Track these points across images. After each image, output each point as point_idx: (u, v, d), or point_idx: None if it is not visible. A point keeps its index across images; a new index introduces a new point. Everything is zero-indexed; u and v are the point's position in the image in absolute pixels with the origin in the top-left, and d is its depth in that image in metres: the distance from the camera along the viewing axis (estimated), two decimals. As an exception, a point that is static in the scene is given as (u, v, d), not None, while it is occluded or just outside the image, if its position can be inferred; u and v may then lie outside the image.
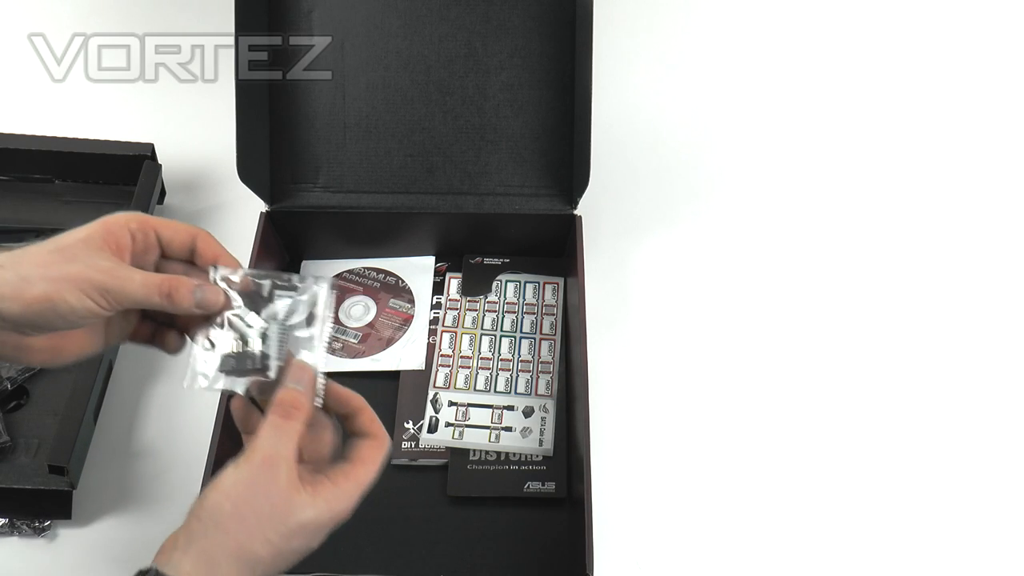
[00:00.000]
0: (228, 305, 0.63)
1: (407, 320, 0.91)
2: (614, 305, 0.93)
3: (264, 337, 0.63)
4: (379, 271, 0.95)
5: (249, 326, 0.63)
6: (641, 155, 1.06)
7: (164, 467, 0.83)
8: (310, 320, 0.64)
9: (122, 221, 0.62)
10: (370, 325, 0.91)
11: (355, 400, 0.63)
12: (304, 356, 0.62)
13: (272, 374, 0.62)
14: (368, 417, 0.62)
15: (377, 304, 0.93)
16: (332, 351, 0.89)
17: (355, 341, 0.90)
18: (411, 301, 0.93)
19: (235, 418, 0.64)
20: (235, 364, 0.63)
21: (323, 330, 0.63)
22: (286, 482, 0.56)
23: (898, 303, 0.95)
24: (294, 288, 0.64)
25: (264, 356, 0.63)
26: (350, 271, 0.95)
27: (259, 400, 0.62)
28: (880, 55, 1.16)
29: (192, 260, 0.64)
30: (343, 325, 0.91)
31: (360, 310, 0.92)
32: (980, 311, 0.95)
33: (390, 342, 0.90)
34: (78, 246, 0.60)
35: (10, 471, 0.79)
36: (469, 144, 0.91)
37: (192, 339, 0.64)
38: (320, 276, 0.65)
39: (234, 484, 0.56)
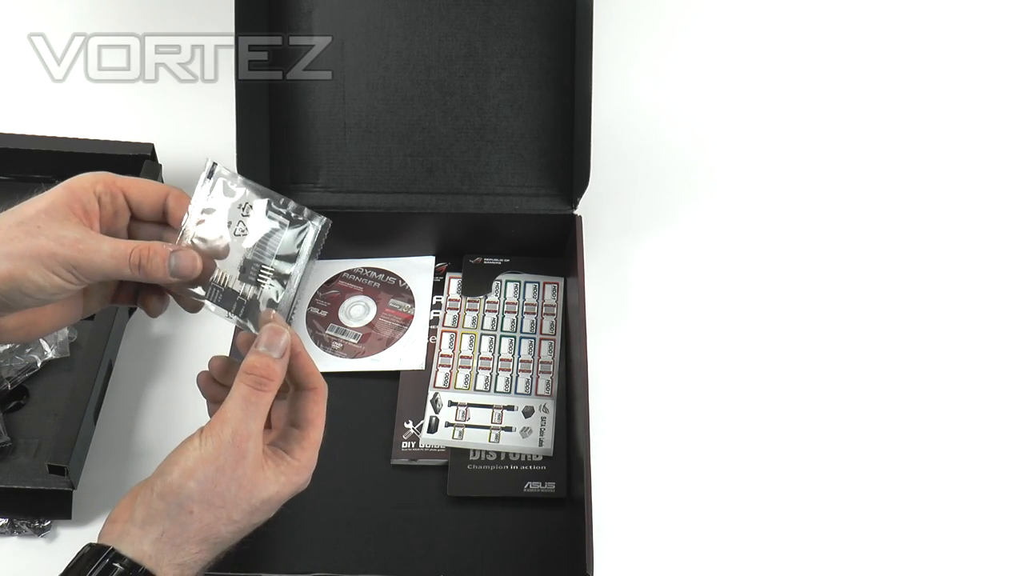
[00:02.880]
0: (207, 270, 0.60)
1: (407, 320, 0.91)
2: (614, 305, 0.93)
3: (244, 270, 0.60)
4: (379, 271, 0.95)
5: (237, 235, 0.60)
6: (641, 155, 1.06)
7: (164, 467, 0.83)
8: (293, 257, 0.61)
9: (87, 184, 0.59)
10: (370, 325, 0.91)
11: (296, 346, 0.60)
12: (276, 292, 0.59)
13: (252, 329, 0.59)
14: (304, 363, 0.60)
15: (377, 304, 0.93)
16: (332, 351, 0.90)
17: (355, 341, 0.90)
18: (411, 301, 0.93)
19: (200, 386, 0.62)
20: (221, 299, 0.61)
21: (304, 271, 0.61)
22: (252, 460, 0.55)
23: (897, 302, 0.95)
24: (288, 217, 0.61)
25: (242, 303, 0.60)
26: (350, 271, 0.95)
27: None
28: (879, 55, 1.16)
29: (165, 221, 0.61)
30: (343, 325, 0.91)
31: (360, 310, 0.92)
32: (979, 310, 0.94)
33: (390, 342, 0.90)
34: (40, 217, 0.56)
35: (10, 471, 0.79)
36: (469, 144, 0.91)
37: (177, 301, 0.62)
38: (317, 214, 0.62)
39: (201, 463, 0.54)
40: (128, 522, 0.55)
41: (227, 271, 0.61)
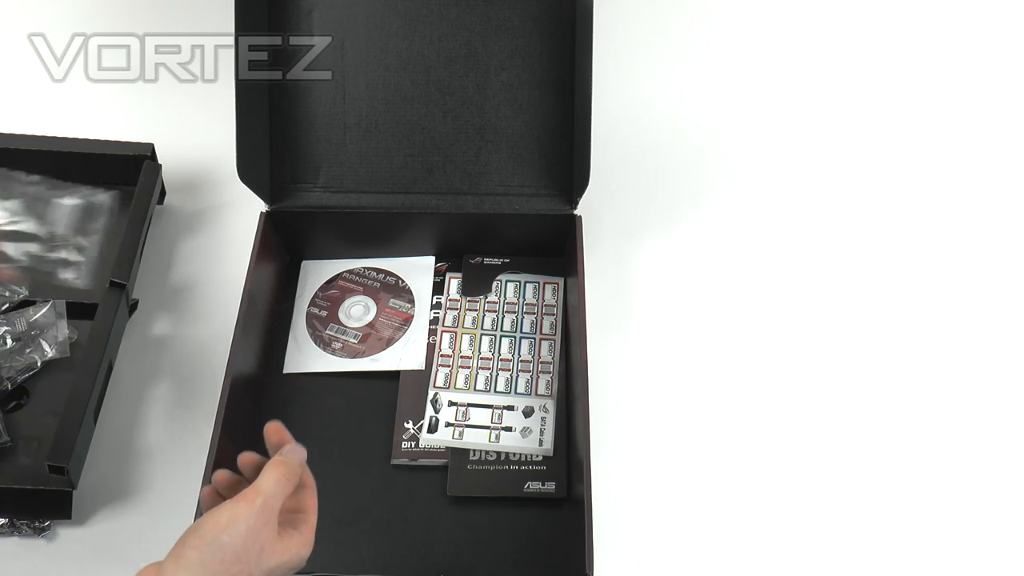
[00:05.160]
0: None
1: (407, 320, 0.91)
2: (614, 305, 0.93)
3: None
4: (379, 271, 0.95)
5: None
6: (641, 155, 1.06)
7: (163, 467, 0.83)
8: None
9: None
10: (370, 325, 0.91)
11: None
12: None
13: None
14: (310, 498, 0.68)
15: (377, 304, 0.93)
16: (332, 351, 0.90)
17: (355, 341, 0.90)
18: (411, 301, 0.93)
19: (204, 501, 0.66)
20: None
21: None
22: (273, 529, 0.61)
23: (898, 304, 0.95)
24: None
25: None
26: (350, 271, 0.95)
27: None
28: (881, 58, 1.16)
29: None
30: (343, 325, 0.91)
31: (360, 310, 0.92)
32: (980, 313, 0.94)
33: (390, 342, 0.90)
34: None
35: (10, 471, 0.79)
36: (469, 144, 0.91)
37: None
38: None
39: (233, 522, 0.60)
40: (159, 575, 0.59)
41: None
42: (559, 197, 0.91)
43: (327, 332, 0.91)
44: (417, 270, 0.95)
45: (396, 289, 0.94)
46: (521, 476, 0.82)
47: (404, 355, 0.89)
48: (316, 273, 0.95)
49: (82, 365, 0.82)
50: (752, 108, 1.11)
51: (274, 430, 0.67)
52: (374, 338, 0.90)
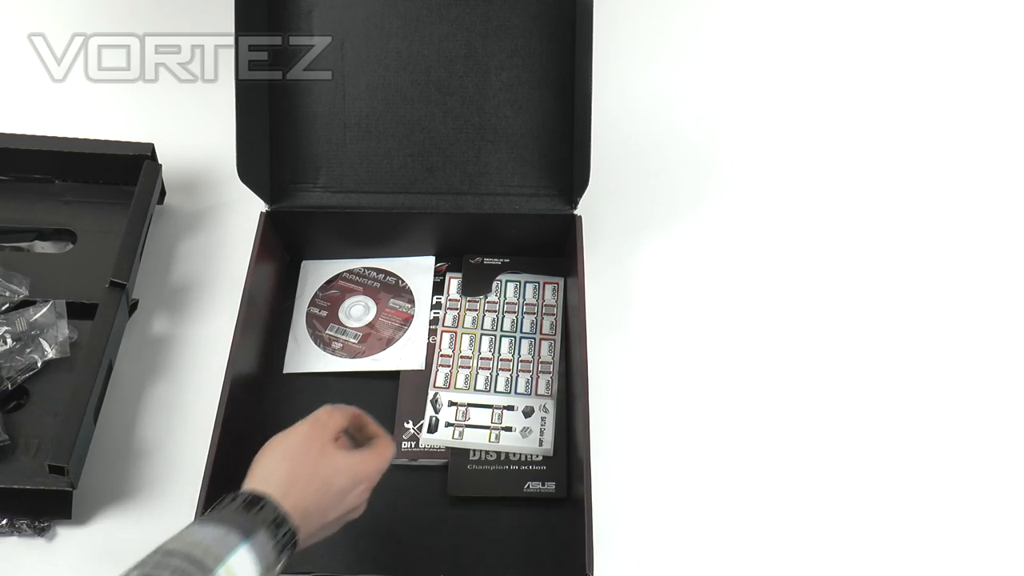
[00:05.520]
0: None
1: (407, 320, 0.91)
2: (614, 305, 0.93)
3: None
4: (379, 271, 0.95)
5: None
6: (641, 155, 1.06)
7: (164, 467, 0.83)
8: None
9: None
10: (370, 325, 0.91)
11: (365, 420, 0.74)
12: None
13: None
14: (374, 427, 0.74)
15: (377, 304, 0.93)
16: (332, 351, 0.90)
17: (355, 341, 0.90)
18: (411, 301, 0.93)
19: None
20: None
21: None
22: (325, 440, 0.68)
23: (898, 304, 0.95)
24: None
25: None
26: (350, 271, 0.95)
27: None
28: (881, 58, 1.16)
29: None
30: (343, 325, 0.91)
31: (360, 310, 0.92)
32: (980, 313, 0.95)
33: (390, 342, 0.90)
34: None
35: (10, 471, 0.79)
36: (469, 144, 0.91)
37: None
38: None
39: (282, 441, 0.68)
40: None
41: None
42: (559, 197, 0.91)
43: (327, 332, 0.91)
44: (417, 270, 0.95)
45: (396, 289, 0.94)
46: (521, 476, 0.82)
47: (404, 355, 0.89)
48: (316, 273, 0.95)
49: (82, 365, 0.82)
50: (752, 108, 1.11)
51: None
52: (374, 338, 0.90)
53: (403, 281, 0.94)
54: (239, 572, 0.57)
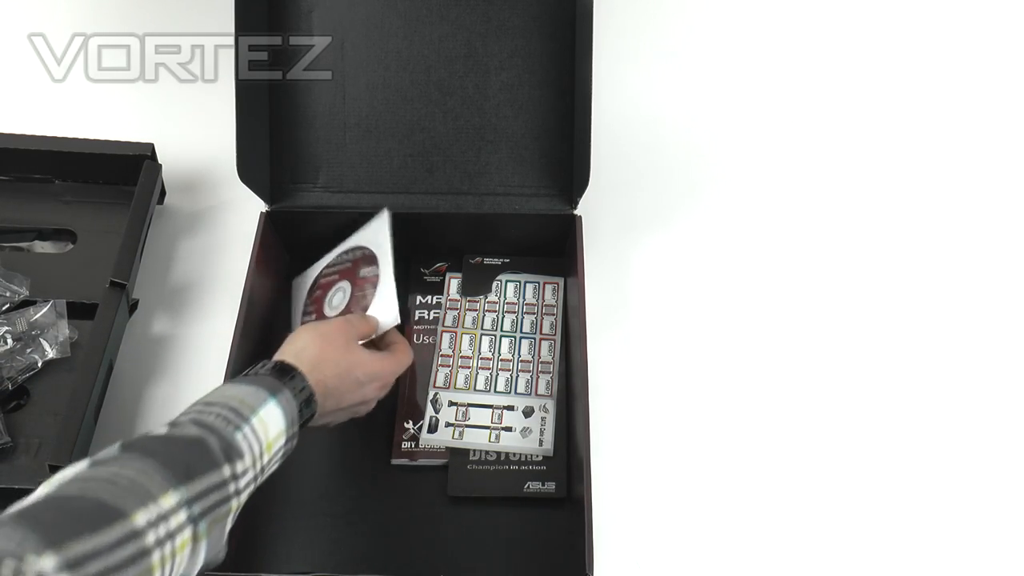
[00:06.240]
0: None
1: (375, 282, 0.86)
2: (614, 305, 0.93)
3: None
4: (349, 250, 0.90)
5: None
6: (641, 155, 1.06)
7: (164, 467, 0.83)
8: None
9: None
10: (348, 306, 0.87)
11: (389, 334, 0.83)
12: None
13: None
14: (393, 334, 0.82)
15: (352, 283, 0.88)
16: None
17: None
18: (375, 262, 0.88)
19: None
20: None
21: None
22: (352, 336, 0.77)
23: (897, 301, 0.95)
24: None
25: None
26: (328, 266, 0.91)
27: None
28: (878, 56, 1.16)
29: None
30: (327, 317, 0.88)
31: (340, 297, 0.88)
32: (978, 310, 0.95)
33: (366, 310, 0.85)
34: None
35: (10, 471, 0.79)
36: (469, 144, 0.91)
37: None
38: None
39: (317, 326, 0.77)
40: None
41: None
42: (559, 197, 0.91)
43: None
44: (374, 233, 0.89)
45: (365, 259, 0.89)
46: (521, 476, 0.82)
47: (377, 312, 0.84)
48: (301, 288, 0.93)
49: (82, 365, 0.82)
50: (751, 108, 1.11)
51: None
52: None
53: (368, 249, 0.89)
54: (269, 421, 0.64)
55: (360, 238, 0.91)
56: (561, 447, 0.83)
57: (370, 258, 0.88)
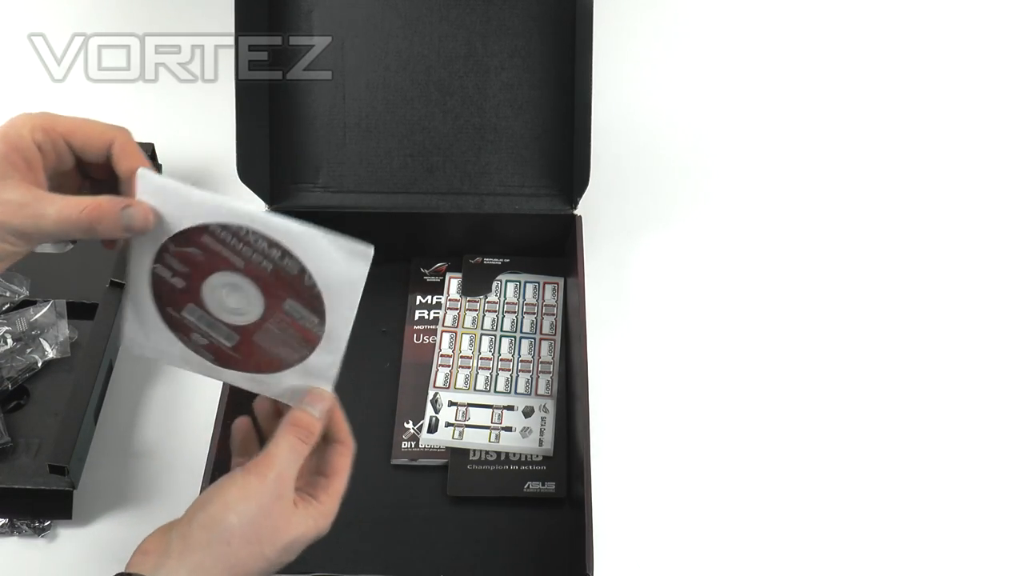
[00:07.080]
0: (157, 224, 0.55)
1: (309, 343, 0.61)
2: (614, 305, 0.93)
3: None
4: (271, 243, 0.58)
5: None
6: (641, 155, 1.06)
7: (164, 467, 0.83)
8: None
9: (25, 132, 0.55)
10: (250, 330, 0.61)
11: (333, 404, 0.63)
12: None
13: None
14: (336, 419, 0.63)
15: (265, 299, 0.60)
16: (192, 345, 0.63)
17: (228, 344, 0.62)
18: (319, 311, 0.60)
19: (238, 433, 0.64)
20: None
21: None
22: (288, 502, 0.58)
23: (897, 301, 0.95)
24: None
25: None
26: (225, 226, 0.58)
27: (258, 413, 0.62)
28: (878, 56, 1.16)
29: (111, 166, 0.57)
30: (210, 314, 0.62)
31: (238, 300, 0.60)
32: (979, 311, 0.94)
33: (282, 365, 0.62)
34: None
35: (10, 471, 0.79)
36: (469, 144, 0.91)
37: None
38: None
39: (243, 499, 0.56)
40: (163, 554, 0.56)
41: None
42: (559, 197, 0.91)
43: (184, 314, 0.61)
44: (332, 263, 0.58)
45: (296, 283, 0.59)
46: (521, 476, 0.82)
47: (298, 394, 0.62)
48: (172, 203, 0.58)
49: (82, 365, 0.82)
50: (752, 108, 1.11)
51: (241, 426, 0.64)
52: (257, 350, 0.62)
53: (309, 274, 0.59)
54: None
55: (299, 242, 0.58)
56: (561, 447, 0.83)
57: (308, 292, 0.59)
